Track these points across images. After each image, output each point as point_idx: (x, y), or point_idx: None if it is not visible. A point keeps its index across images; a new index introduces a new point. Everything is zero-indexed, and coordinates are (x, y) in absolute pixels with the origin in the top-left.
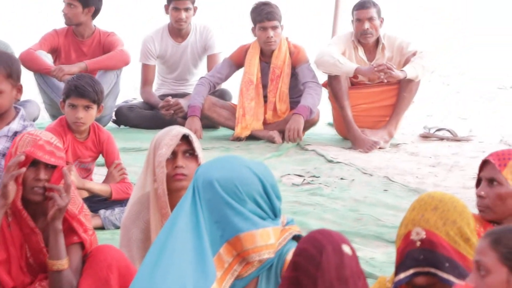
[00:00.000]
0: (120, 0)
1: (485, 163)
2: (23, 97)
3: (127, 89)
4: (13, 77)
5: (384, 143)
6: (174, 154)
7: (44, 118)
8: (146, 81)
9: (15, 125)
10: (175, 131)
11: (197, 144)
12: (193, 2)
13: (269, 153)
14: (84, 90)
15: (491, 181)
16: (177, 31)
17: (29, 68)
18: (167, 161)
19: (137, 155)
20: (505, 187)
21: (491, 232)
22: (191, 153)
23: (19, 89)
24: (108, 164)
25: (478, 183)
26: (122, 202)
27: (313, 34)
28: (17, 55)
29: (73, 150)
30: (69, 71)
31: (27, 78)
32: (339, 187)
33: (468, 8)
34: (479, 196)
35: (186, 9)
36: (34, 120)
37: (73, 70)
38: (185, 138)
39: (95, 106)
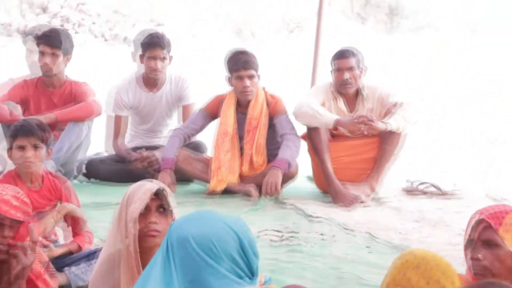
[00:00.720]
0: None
1: (478, 223)
2: None
3: (98, 141)
4: None
5: (366, 198)
6: (147, 209)
7: None
8: (118, 133)
9: None
10: (149, 185)
11: (171, 198)
12: (168, 52)
13: (246, 207)
14: (31, 129)
15: (487, 242)
16: (152, 81)
17: None
18: (139, 217)
19: (108, 210)
20: (503, 248)
21: (467, 286)
22: (165, 208)
23: None
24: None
25: (468, 243)
26: (88, 256)
27: (291, 84)
28: None
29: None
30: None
31: None
32: (319, 244)
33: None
34: (475, 259)
35: (162, 59)
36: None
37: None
38: (159, 193)
39: (44, 146)
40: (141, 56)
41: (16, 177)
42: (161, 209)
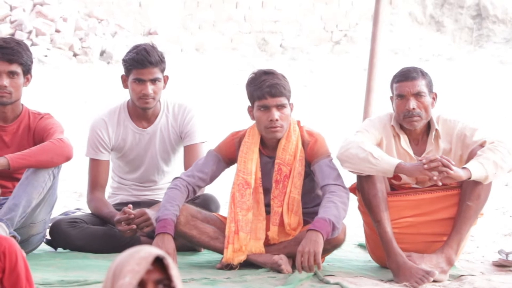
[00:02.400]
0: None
1: None
2: None
3: (67, 196)
4: None
5: (440, 274)
6: (142, 285)
7: None
8: (95, 184)
9: None
10: (144, 253)
11: (175, 271)
12: (162, 70)
13: (273, 287)
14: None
15: None
16: (141, 112)
17: None
18: None
19: None
20: None
21: None
22: (167, 284)
23: None
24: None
25: None
26: None
27: (337, 117)
28: None
29: None
30: None
31: None
32: None
33: None
34: None
35: (154, 81)
36: None
37: None
38: (158, 263)
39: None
40: (124, 77)
41: None
42: (161, 285)
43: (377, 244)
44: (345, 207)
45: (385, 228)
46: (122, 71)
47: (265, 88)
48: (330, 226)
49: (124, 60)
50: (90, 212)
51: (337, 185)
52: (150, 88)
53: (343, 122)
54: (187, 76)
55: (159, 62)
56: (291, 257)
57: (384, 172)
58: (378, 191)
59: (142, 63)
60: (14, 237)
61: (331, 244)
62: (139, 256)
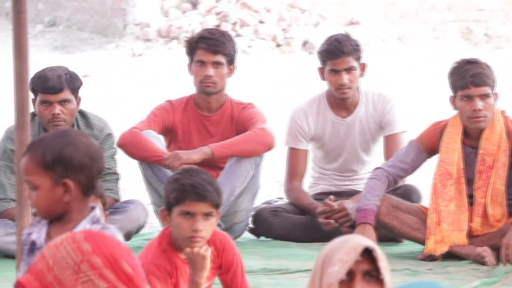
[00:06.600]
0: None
1: None
2: (125, 197)
3: (269, 185)
4: (56, 168)
5: None
6: (350, 275)
7: (154, 226)
8: (293, 174)
9: (77, 230)
10: (354, 242)
11: (383, 263)
12: (357, 59)
13: (477, 279)
14: (205, 191)
15: None
16: (340, 102)
17: (132, 154)
18: (340, 285)
19: (285, 280)
20: None
21: None
22: (374, 275)
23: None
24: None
25: None
26: None
27: None
28: (117, 135)
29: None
30: (189, 159)
31: (131, 168)
32: None
33: None
34: None
35: (349, 70)
36: (138, 230)
37: (193, 158)
38: (367, 253)
39: (215, 213)
40: (321, 70)
41: (171, 245)
42: (369, 277)
43: None
44: None
45: None
46: None
47: (468, 78)
48: None
49: (318, 52)
50: (289, 201)
51: None
52: (345, 78)
53: None
54: (389, 66)
55: (353, 50)
56: (495, 250)
57: None
58: None
59: (335, 53)
60: (219, 225)
61: None
62: (349, 246)
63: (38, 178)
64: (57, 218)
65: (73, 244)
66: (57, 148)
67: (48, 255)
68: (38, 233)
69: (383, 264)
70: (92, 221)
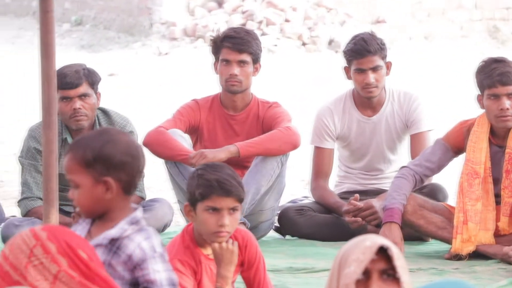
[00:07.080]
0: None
1: None
2: (150, 195)
3: (295, 184)
4: (97, 166)
5: None
6: (366, 274)
7: (179, 224)
8: (319, 172)
9: (114, 230)
10: (369, 242)
11: (400, 262)
12: (383, 57)
13: (504, 279)
14: (231, 186)
15: None
16: (366, 101)
17: (158, 153)
18: (357, 285)
19: (310, 279)
20: None
21: None
22: (391, 274)
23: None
24: None
25: None
26: None
27: None
28: (141, 135)
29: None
30: (214, 158)
31: (156, 167)
32: None
33: None
34: None
35: (375, 69)
36: (164, 228)
37: (219, 156)
38: (383, 252)
39: (240, 208)
40: (346, 69)
41: (193, 242)
42: (386, 276)
43: None
44: None
45: None
46: None
47: (495, 77)
48: None
49: (344, 52)
50: (314, 200)
51: None
52: (371, 77)
53: None
54: (415, 65)
55: (379, 49)
56: None
57: None
58: None
59: (360, 52)
60: (243, 223)
61: None
62: (364, 246)
63: (79, 177)
64: (99, 217)
65: (30, 233)
66: (97, 146)
67: (6, 246)
68: (80, 232)
69: (399, 263)
70: (131, 222)
